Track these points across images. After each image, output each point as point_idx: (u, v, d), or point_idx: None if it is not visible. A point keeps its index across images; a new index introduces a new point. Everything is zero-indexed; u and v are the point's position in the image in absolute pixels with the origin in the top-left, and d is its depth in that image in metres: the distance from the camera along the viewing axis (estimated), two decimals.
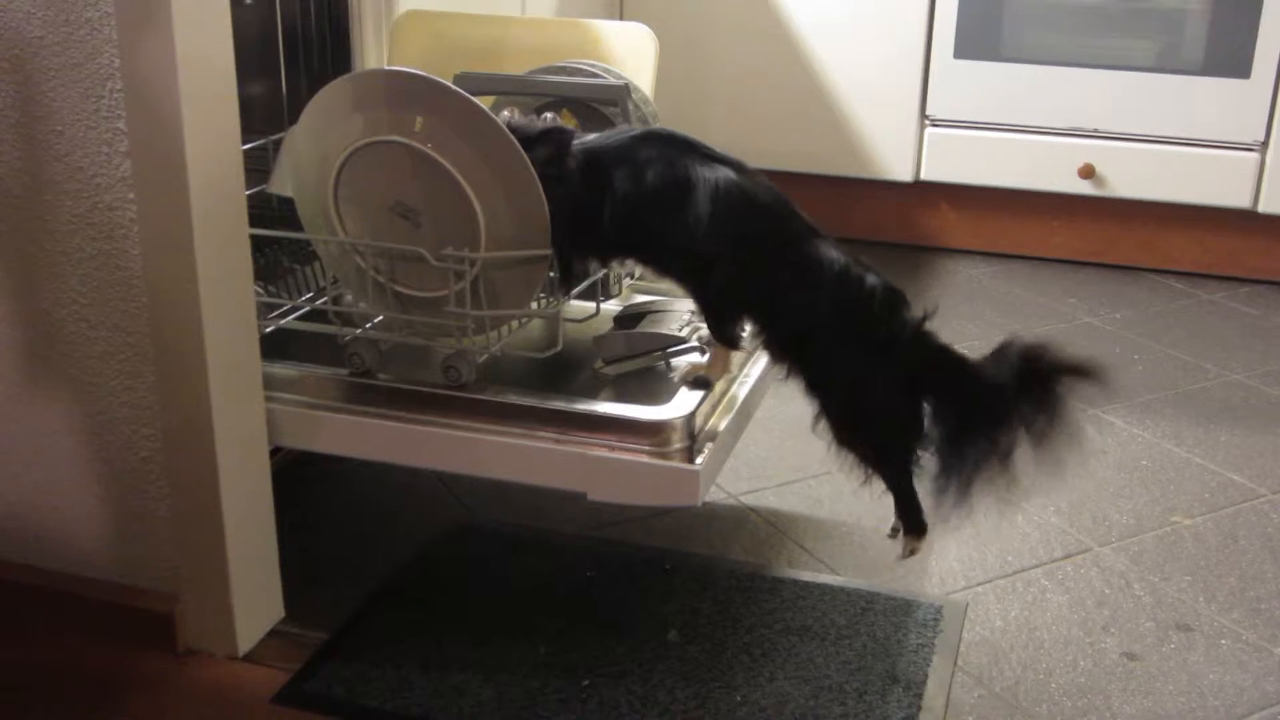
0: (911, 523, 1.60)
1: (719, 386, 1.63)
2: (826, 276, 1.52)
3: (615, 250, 1.59)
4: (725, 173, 1.52)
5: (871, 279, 1.53)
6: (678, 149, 1.55)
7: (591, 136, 1.57)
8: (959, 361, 1.54)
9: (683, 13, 3.16)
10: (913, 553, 1.62)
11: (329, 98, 1.55)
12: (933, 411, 1.53)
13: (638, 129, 1.58)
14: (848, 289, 1.52)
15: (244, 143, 1.51)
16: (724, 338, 1.59)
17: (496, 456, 1.56)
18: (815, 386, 1.55)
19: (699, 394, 1.57)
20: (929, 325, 1.54)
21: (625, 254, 1.60)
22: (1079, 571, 1.82)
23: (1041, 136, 3.03)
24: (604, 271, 1.73)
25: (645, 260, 1.60)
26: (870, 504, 1.69)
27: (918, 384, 1.54)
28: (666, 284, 1.90)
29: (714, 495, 2.00)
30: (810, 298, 1.53)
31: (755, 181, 1.55)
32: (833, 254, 1.53)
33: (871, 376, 1.53)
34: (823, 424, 1.55)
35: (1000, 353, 1.52)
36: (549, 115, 1.75)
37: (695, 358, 1.69)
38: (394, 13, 2.08)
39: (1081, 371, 1.49)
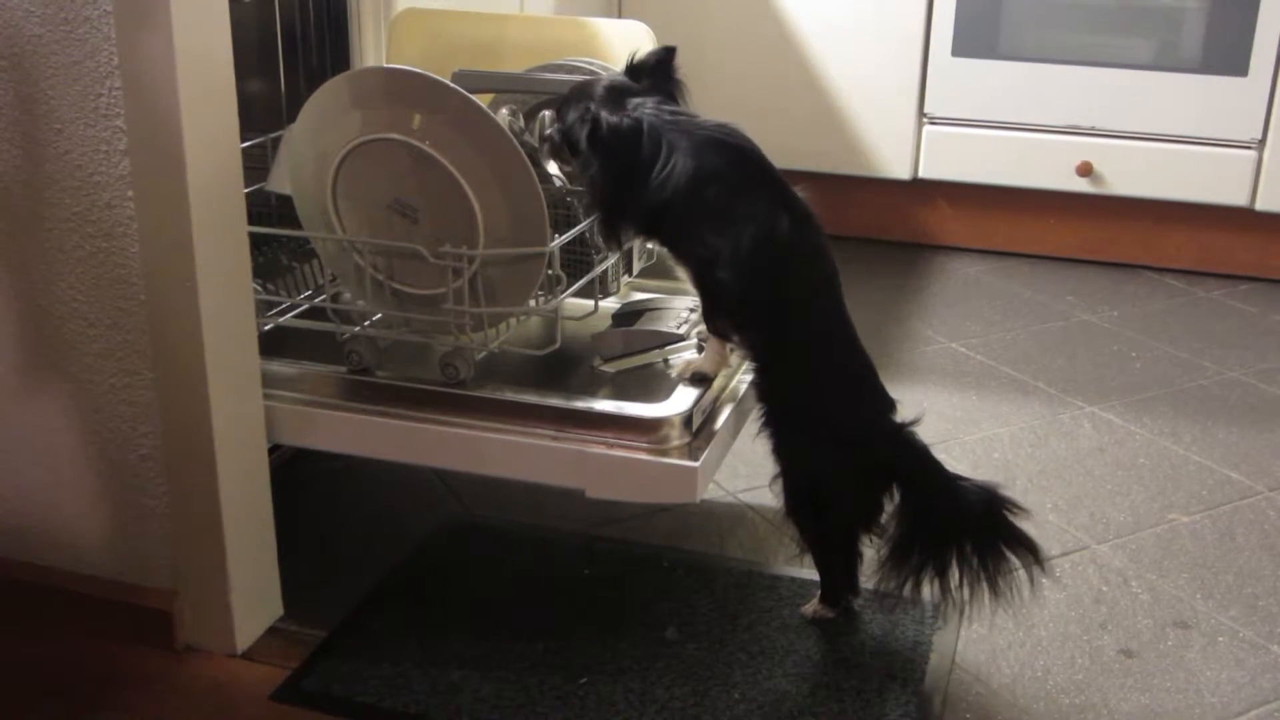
0: (827, 595, 1.68)
1: (717, 383, 1.63)
2: (833, 368, 1.56)
3: (644, 227, 1.58)
4: (783, 222, 1.51)
5: (875, 385, 1.58)
6: (752, 170, 1.54)
7: (652, 108, 1.54)
8: (933, 476, 1.57)
9: (681, 10, 3.16)
10: (817, 615, 1.68)
11: (327, 96, 1.55)
12: (898, 507, 1.57)
13: (720, 128, 1.55)
14: (846, 384, 1.57)
15: (242, 141, 1.51)
16: (716, 330, 1.60)
17: (495, 454, 1.56)
18: (782, 455, 1.58)
19: (697, 390, 1.58)
20: (913, 428, 1.58)
21: (651, 235, 1.60)
22: (1076, 569, 1.82)
23: (1039, 134, 3.03)
24: (605, 266, 1.73)
25: (666, 246, 1.60)
26: None
27: (888, 479, 1.57)
28: (665, 282, 1.92)
29: (712, 493, 2.01)
30: (810, 380, 1.56)
31: (811, 239, 1.55)
32: (845, 348, 1.56)
33: (837, 471, 1.57)
34: (779, 487, 1.59)
35: (974, 488, 1.56)
36: (546, 113, 1.75)
37: (692, 354, 1.69)
38: (392, 11, 2.08)
39: (1029, 547, 1.54)
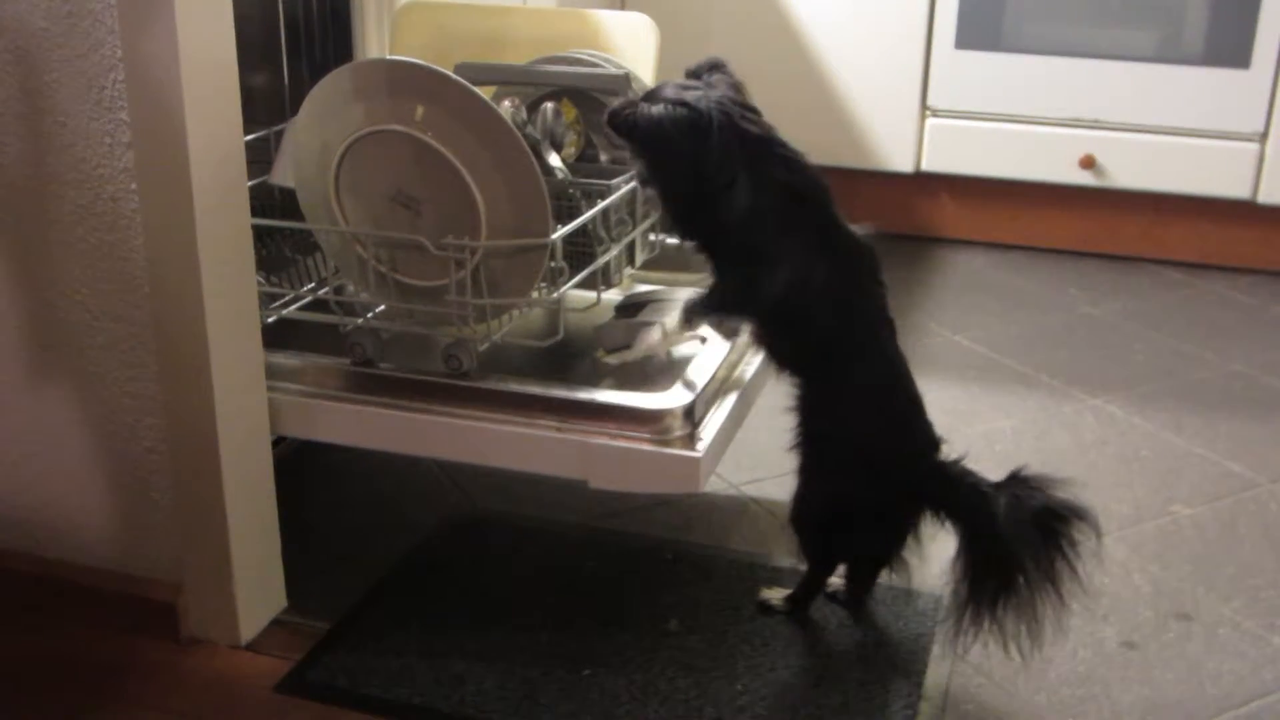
0: (797, 596, 1.67)
1: (720, 373, 1.64)
2: (872, 405, 1.54)
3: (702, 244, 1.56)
4: (819, 271, 1.49)
5: (914, 423, 1.55)
6: (800, 212, 1.51)
7: (719, 98, 1.48)
8: (976, 504, 1.51)
9: (684, 3, 3.16)
10: (769, 602, 1.68)
11: (330, 88, 1.55)
12: (959, 543, 1.52)
13: (788, 160, 1.50)
14: (884, 420, 1.55)
15: (246, 134, 1.51)
16: (687, 317, 1.59)
17: (498, 445, 1.56)
18: (804, 474, 1.58)
19: (700, 381, 1.58)
20: (956, 465, 1.54)
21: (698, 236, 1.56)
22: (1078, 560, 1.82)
23: (1042, 127, 3.03)
24: (607, 258, 1.73)
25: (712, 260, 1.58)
26: None
27: (913, 516, 1.56)
28: (668, 274, 1.92)
29: (715, 485, 2.01)
30: (845, 414, 1.55)
31: (851, 282, 1.54)
32: (886, 385, 1.54)
33: (856, 496, 1.56)
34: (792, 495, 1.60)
35: (1018, 502, 1.49)
36: (549, 105, 1.76)
37: (696, 345, 1.69)
38: (395, 3, 2.08)
39: (1082, 515, 1.47)
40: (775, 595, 1.69)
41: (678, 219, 1.54)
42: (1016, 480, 1.50)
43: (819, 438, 1.56)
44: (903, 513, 1.57)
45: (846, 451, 1.55)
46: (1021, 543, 1.47)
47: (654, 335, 1.61)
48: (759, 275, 1.49)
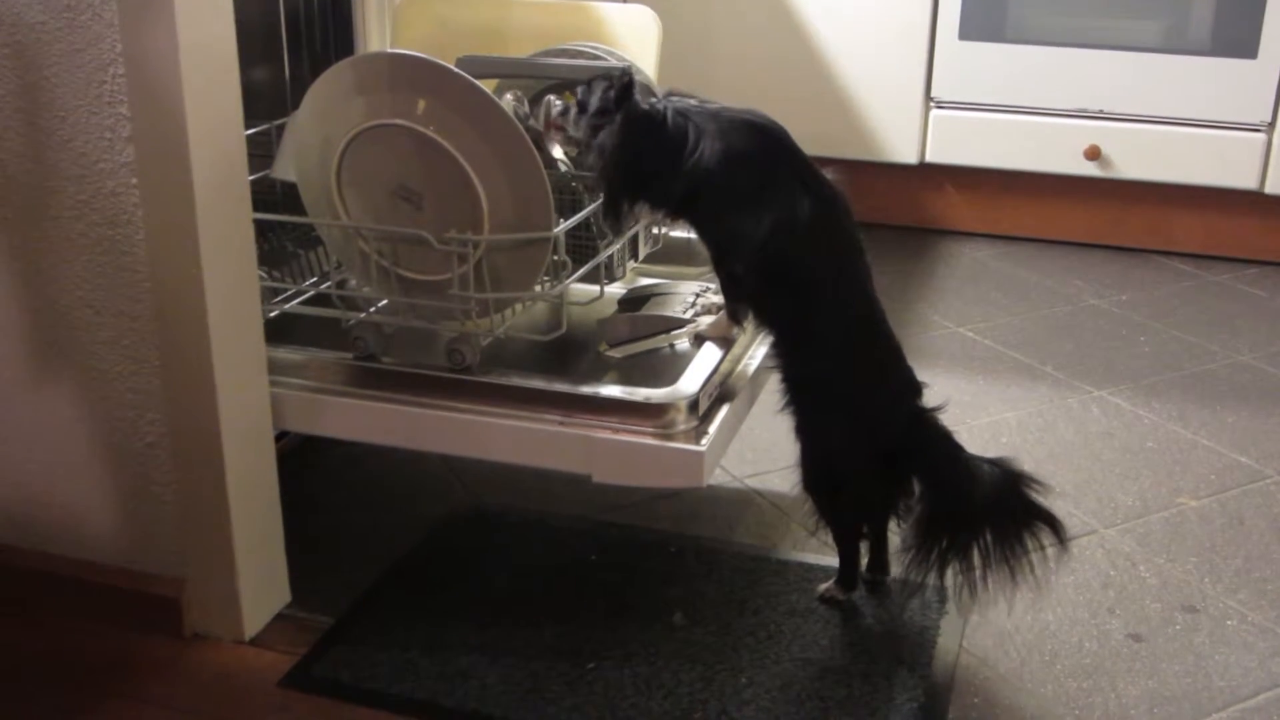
0: (843, 576, 1.69)
1: (724, 366, 1.63)
2: (853, 350, 1.55)
3: (675, 210, 1.59)
4: (804, 206, 1.51)
5: (898, 368, 1.57)
6: (776, 153, 1.55)
7: (693, 99, 1.56)
8: (951, 459, 1.56)
9: None
10: (832, 598, 1.69)
11: (331, 81, 1.55)
12: (920, 492, 1.56)
13: (747, 112, 1.56)
14: (867, 366, 1.56)
15: (247, 128, 1.51)
16: (731, 311, 1.64)
17: (501, 440, 1.56)
18: (801, 432, 1.58)
19: (704, 373, 1.58)
20: (936, 415, 1.57)
21: (680, 217, 1.61)
22: (1085, 553, 1.82)
23: (1047, 118, 3.02)
24: (610, 251, 1.73)
25: (693, 228, 1.62)
26: None
27: (905, 464, 1.56)
28: (671, 267, 1.92)
29: (719, 478, 2.00)
30: (829, 361, 1.55)
31: (833, 222, 1.54)
32: (867, 331, 1.56)
33: (852, 453, 1.56)
34: (799, 463, 1.60)
35: (994, 466, 1.54)
36: (551, 98, 1.75)
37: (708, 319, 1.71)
38: None
39: (1050, 524, 1.52)
40: (826, 585, 1.69)
41: (622, 196, 1.57)
42: (1002, 462, 1.55)
43: (801, 387, 1.56)
44: (890, 460, 1.56)
45: (827, 396, 1.56)
46: (989, 516, 1.52)
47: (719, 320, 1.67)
48: (745, 222, 1.51)
